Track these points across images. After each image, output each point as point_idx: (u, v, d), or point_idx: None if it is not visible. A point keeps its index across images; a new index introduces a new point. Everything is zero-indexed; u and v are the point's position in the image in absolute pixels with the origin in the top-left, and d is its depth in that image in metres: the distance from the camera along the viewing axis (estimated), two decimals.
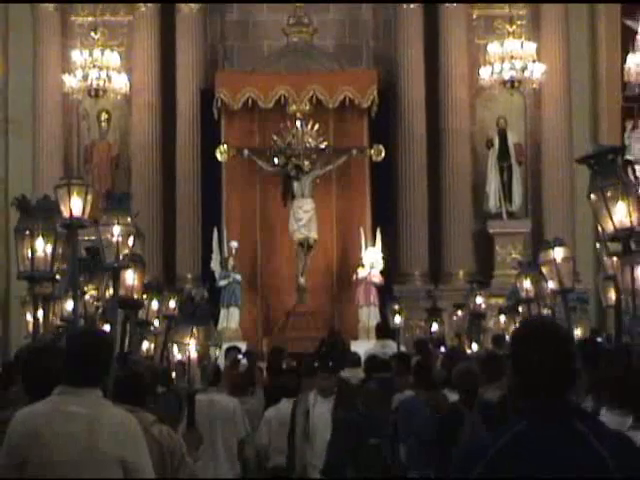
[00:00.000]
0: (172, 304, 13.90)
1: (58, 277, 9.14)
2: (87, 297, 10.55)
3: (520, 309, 14.96)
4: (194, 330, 10.47)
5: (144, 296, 11.71)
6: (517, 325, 15.03)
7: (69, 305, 10.55)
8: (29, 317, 13.04)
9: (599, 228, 8.73)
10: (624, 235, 8.26)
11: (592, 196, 8.51)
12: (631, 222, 8.24)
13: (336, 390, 10.25)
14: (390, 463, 12.28)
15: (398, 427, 11.92)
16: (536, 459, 3.51)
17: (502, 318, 16.98)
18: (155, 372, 10.22)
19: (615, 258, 9.17)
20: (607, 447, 3.53)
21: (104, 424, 5.30)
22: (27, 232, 8.41)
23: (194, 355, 10.44)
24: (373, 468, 13.09)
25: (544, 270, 11.05)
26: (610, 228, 8.33)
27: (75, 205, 9.41)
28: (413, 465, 11.53)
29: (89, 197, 9.49)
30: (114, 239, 9.94)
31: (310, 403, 10.01)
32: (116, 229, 9.96)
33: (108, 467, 5.22)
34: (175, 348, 10.43)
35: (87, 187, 9.66)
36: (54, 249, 8.44)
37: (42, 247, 8.35)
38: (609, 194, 8.33)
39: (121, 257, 10.04)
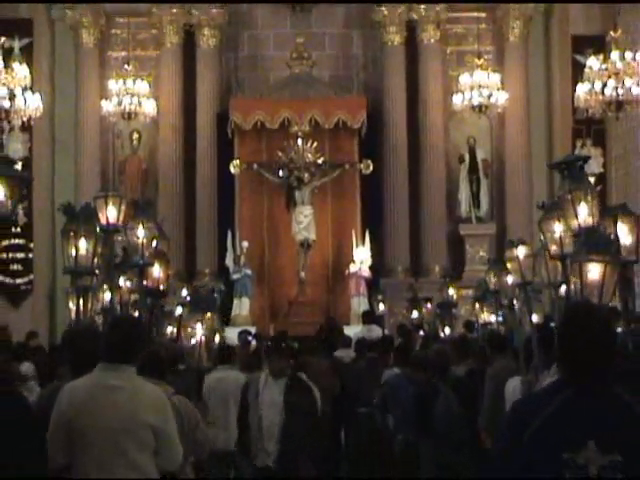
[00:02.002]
0: (184, 292, 13.97)
1: (97, 272, 9.18)
2: (123, 288, 10.60)
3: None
4: (201, 317, 10.52)
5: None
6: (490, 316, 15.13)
7: (106, 296, 10.61)
8: (72, 306, 13.06)
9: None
10: (587, 232, 8.30)
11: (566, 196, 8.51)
12: (593, 221, 8.31)
13: (289, 373, 9.00)
14: (381, 429, 12.34)
15: (387, 399, 11.97)
16: (583, 424, 3.44)
17: (477, 306, 16.93)
18: (176, 353, 10.28)
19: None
20: None
21: (141, 395, 5.35)
22: (72, 234, 8.41)
23: (202, 339, 10.49)
24: (363, 433, 13.16)
25: (509, 265, 11.10)
26: (575, 225, 8.38)
27: (111, 214, 9.45)
28: (399, 431, 11.58)
29: (123, 207, 9.52)
30: (139, 241, 9.99)
31: (261, 384, 8.74)
32: (140, 232, 10.00)
33: (143, 432, 5.28)
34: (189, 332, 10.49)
35: (121, 198, 9.70)
36: (94, 248, 8.46)
37: (84, 246, 8.37)
38: (576, 196, 8.37)
39: (146, 256, 10.11)
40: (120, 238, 10.75)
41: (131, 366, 5.43)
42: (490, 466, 3.70)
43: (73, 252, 8.38)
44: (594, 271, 7.31)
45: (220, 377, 10.45)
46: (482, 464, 8.92)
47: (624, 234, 8.21)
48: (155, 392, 5.47)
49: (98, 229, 8.88)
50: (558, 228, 8.71)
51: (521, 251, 10.81)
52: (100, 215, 9.30)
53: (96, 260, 8.57)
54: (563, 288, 9.45)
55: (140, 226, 9.95)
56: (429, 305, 19.59)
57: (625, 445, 3.40)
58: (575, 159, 8.78)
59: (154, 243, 10.07)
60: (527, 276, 10.60)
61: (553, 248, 8.84)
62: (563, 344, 3.66)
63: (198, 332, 10.51)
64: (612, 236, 8.13)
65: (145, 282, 10.33)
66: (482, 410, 9.88)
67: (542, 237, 9.15)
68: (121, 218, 9.54)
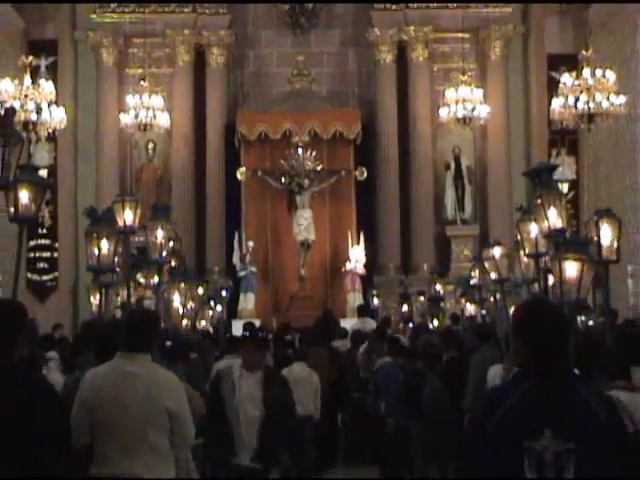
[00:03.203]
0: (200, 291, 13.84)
1: (117, 270, 9.19)
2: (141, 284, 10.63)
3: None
4: (178, 286, 10.57)
5: None
6: (474, 309, 15.12)
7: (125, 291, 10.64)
8: (93, 300, 13.06)
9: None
10: (556, 233, 8.31)
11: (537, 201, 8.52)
12: (562, 223, 8.32)
13: (264, 365, 7.66)
14: (373, 413, 12.35)
15: (379, 386, 11.97)
16: (542, 414, 3.44)
17: (462, 300, 16.96)
18: (189, 343, 10.29)
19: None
20: (600, 405, 3.49)
21: (156, 381, 5.36)
22: (94, 235, 8.43)
23: (177, 305, 10.54)
24: (357, 418, 13.17)
25: (486, 264, 11.13)
26: (545, 227, 8.40)
27: (128, 216, 9.47)
28: (390, 415, 11.59)
29: (138, 210, 9.53)
30: (158, 241, 10.02)
31: (235, 376, 7.39)
32: (159, 233, 10.03)
33: (160, 415, 5.29)
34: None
35: (137, 202, 9.71)
36: (115, 248, 8.47)
37: (106, 246, 8.38)
38: (545, 200, 8.39)
39: (164, 254, 10.13)
40: (137, 239, 10.78)
41: (147, 354, 5.44)
42: (462, 457, 3.72)
43: (96, 251, 8.39)
44: (572, 268, 7.33)
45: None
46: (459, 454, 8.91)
47: (606, 236, 8.23)
48: (169, 377, 5.48)
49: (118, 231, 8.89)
50: (534, 229, 8.74)
51: (497, 251, 10.85)
52: (118, 218, 9.32)
53: (116, 259, 8.59)
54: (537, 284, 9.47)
55: (159, 227, 9.99)
56: (422, 298, 19.67)
57: (579, 435, 3.42)
58: (545, 168, 8.81)
59: (171, 243, 10.11)
60: (503, 273, 10.65)
61: (528, 247, 8.86)
62: (524, 338, 3.63)
63: (176, 300, 10.57)
64: (595, 238, 8.15)
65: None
66: (467, 393, 9.90)
67: (519, 237, 9.17)
68: (137, 221, 9.55)
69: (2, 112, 6.79)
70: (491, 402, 3.59)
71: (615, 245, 8.18)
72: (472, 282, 14.13)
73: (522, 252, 9.26)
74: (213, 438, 7.41)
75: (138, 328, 5.47)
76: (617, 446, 3.47)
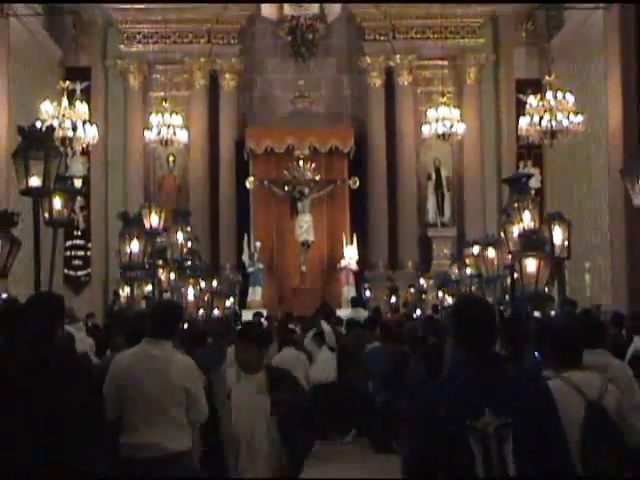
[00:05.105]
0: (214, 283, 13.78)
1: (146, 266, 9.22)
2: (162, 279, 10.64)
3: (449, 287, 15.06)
4: (190, 281, 10.56)
5: None
6: (452, 300, 15.13)
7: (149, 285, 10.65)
8: (121, 293, 13.06)
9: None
10: (529, 234, 8.34)
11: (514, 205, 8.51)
12: (534, 225, 8.36)
13: (266, 366, 5.74)
14: (363, 392, 12.38)
15: (368, 368, 11.99)
16: (481, 396, 3.49)
17: (440, 293, 16.96)
18: (204, 331, 10.29)
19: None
20: (528, 383, 3.56)
21: (175, 364, 5.39)
22: (126, 236, 8.47)
23: (191, 298, 10.53)
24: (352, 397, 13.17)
25: (467, 261, 11.16)
26: (520, 229, 8.42)
27: (154, 220, 9.50)
28: (377, 393, 11.61)
29: (163, 214, 9.57)
30: (178, 241, 10.06)
31: (230, 381, 5.72)
32: (179, 235, 10.07)
33: (176, 393, 5.31)
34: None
35: (162, 208, 9.75)
36: (144, 247, 8.51)
37: (137, 246, 8.41)
38: (520, 204, 8.42)
39: (183, 253, 10.17)
40: (159, 240, 10.82)
41: (169, 341, 5.45)
42: (412, 442, 3.73)
43: (127, 250, 8.43)
44: (531, 265, 7.37)
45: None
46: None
47: (558, 237, 8.26)
48: (185, 361, 5.49)
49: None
50: (516, 230, 8.77)
51: (476, 249, 10.89)
52: (145, 221, 9.35)
53: (145, 258, 8.62)
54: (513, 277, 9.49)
55: (179, 230, 10.03)
56: (412, 290, 19.72)
57: (514, 409, 3.48)
58: (521, 176, 8.86)
59: (189, 243, 10.15)
60: (480, 269, 10.69)
61: (511, 245, 8.89)
62: (461, 333, 3.66)
63: (189, 293, 10.57)
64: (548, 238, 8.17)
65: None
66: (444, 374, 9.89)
67: (503, 236, 9.19)
68: (162, 224, 9.58)
69: (43, 130, 6.85)
70: (437, 392, 3.61)
71: (566, 244, 8.22)
72: (453, 277, 14.18)
73: (494, 250, 9.28)
74: (206, 457, 5.46)
75: (162, 318, 5.49)
76: (545, 413, 3.53)
